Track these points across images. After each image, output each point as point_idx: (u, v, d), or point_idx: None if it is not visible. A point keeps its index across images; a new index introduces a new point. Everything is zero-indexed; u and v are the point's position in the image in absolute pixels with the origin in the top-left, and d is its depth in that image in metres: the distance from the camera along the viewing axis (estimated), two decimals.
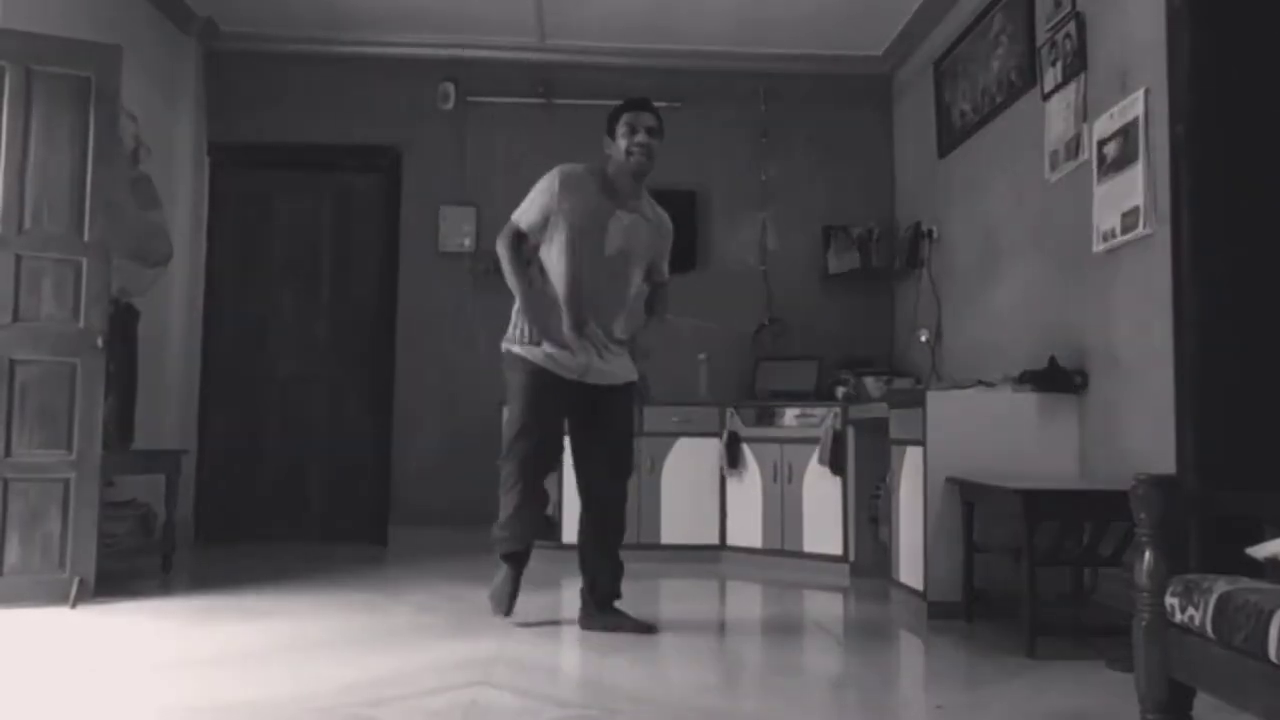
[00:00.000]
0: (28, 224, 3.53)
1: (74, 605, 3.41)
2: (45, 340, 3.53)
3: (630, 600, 3.38)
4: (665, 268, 3.45)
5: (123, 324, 4.15)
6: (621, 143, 3.24)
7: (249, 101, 5.54)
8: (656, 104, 5.55)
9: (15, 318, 3.50)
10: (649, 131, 3.24)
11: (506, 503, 3.25)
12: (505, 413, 3.35)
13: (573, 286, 3.18)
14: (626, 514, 3.39)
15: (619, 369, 3.30)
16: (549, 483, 3.59)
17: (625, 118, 3.26)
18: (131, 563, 4.15)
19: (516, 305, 3.30)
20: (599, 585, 3.29)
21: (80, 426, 3.54)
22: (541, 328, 3.21)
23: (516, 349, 3.26)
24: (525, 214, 3.26)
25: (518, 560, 3.30)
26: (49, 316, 3.54)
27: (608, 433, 3.30)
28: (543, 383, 3.21)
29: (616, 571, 3.31)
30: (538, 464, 3.26)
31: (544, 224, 3.22)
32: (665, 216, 3.43)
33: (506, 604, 3.26)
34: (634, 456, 3.48)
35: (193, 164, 5.36)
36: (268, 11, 5.30)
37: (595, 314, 3.22)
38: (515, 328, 3.29)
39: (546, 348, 3.21)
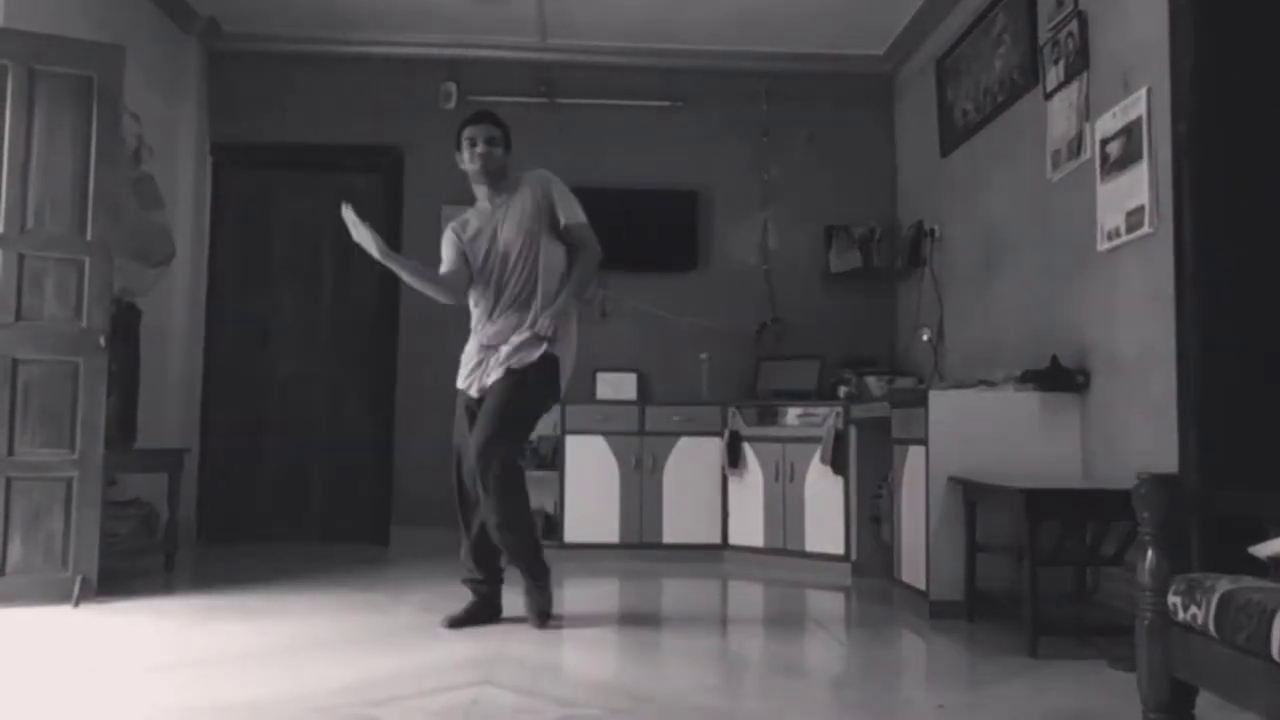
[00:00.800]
0: (30, 224, 3.54)
1: (76, 604, 3.42)
2: (48, 340, 3.53)
3: (633, 599, 3.38)
4: (564, 213, 3.34)
5: (125, 323, 4.16)
6: (465, 155, 3.37)
7: (251, 101, 5.54)
8: (658, 103, 5.66)
9: (18, 317, 3.51)
10: (489, 141, 3.33)
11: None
12: None
13: (483, 286, 3.32)
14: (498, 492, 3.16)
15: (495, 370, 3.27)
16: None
17: (465, 133, 3.38)
18: (134, 562, 4.16)
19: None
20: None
21: (83, 426, 3.55)
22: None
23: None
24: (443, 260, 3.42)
25: (472, 588, 3.33)
26: (52, 316, 3.55)
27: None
28: (460, 405, 3.37)
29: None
30: (460, 489, 3.34)
31: (458, 259, 3.37)
32: (539, 173, 3.42)
33: (450, 619, 3.21)
34: (500, 431, 3.16)
35: (195, 164, 5.36)
36: (270, 11, 5.30)
37: (512, 302, 3.28)
38: None
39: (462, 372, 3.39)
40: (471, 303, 3.41)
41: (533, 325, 3.25)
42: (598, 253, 3.39)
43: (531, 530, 3.31)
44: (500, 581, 3.36)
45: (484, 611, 3.29)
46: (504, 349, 3.26)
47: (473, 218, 3.42)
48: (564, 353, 3.32)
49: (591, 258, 3.37)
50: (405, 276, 3.33)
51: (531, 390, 3.25)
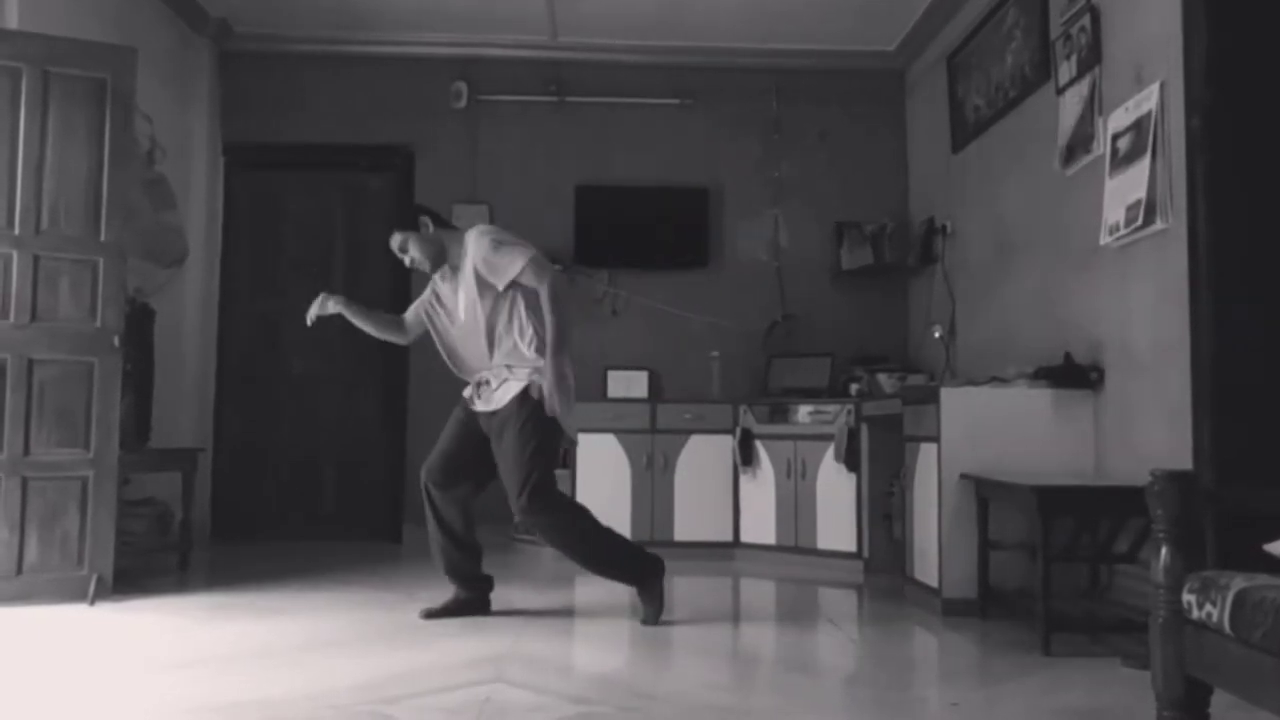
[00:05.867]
0: (45, 225, 3.56)
1: (92, 602, 3.44)
2: (63, 340, 3.56)
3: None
4: (498, 278, 3.22)
5: (139, 323, 4.18)
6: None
7: (263, 102, 5.56)
8: (668, 101, 5.67)
9: (33, 318, 3.53)
10: (402, 250, 3.37)
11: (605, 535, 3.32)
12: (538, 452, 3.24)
13: (446, 350, 3.46)
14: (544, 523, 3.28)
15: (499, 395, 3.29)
16: None
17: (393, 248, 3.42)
18: (148, 560, 4.19)
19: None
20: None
21: (98, 425, 3.57)
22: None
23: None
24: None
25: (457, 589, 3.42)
26: (66, 316, 3.58)
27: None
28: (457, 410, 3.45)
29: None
30: (429, 503, 3.49)
31: (418, 316, 3.52)
32: (470, 239, 3.31)
33: (427, 610, 3.35)
34: (527, 481, 3.19)
35: (207, 164, 5.39)
36: (281, 12, 5.32)
37: (476, 356, 3.36)
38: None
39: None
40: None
41: (507, 361, 3.27)
42: (552, 295, 3.21)
43: (603, 547, 3.28)
44: (485, 586, 3.42)
45: (466, 609, 3.34)
46: (492, 383, 3.30)
47: (444, 289, 3.43)
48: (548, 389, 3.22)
49: (549, 307, 3.19)
50: (366, 328, 3.56)
51: (528, 426, 3.19)
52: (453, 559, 3.36)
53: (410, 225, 3.33)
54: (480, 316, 3.26)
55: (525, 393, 3.20)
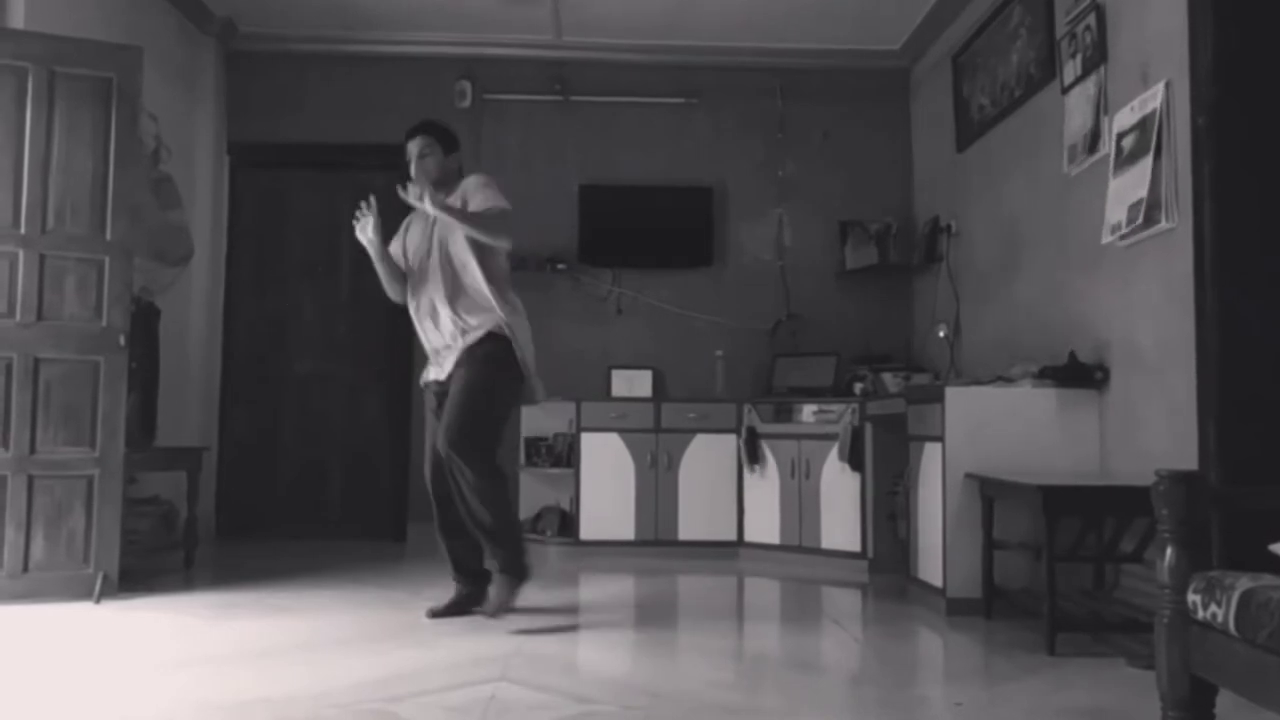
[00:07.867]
0: (51, 224, 3.57)
1: (98, 600, 3.45)
2: (69, 339, 3.57)
3: (649, 595, 3.38)
4: (473, 203, 3.30)
5: (144, 322, 4.19)
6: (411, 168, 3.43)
7: (268, 101, 5.58)
8: (672, 100, 5.66)
9: (39, 317, 3.54)
10: (420, 156, 3.39)
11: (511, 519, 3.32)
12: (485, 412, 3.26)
13: (415, 283, 3.43)
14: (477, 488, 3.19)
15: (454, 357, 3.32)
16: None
17: (407, 147, 3.43)
18: (154, 559, 4.20)
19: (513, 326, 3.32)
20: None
21: (103, 424, 3.58)
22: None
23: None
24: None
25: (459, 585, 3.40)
26: (72, 315, 3.59)
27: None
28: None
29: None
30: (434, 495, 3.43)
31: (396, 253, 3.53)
32: (470, 177, 3.44)
33: (433, 610, 3.31)
34: (469, 421, 3.19)
35: (212, 163, 5.40)
36: (286, 11, 5.33)
37: (442, 300, 3.31)
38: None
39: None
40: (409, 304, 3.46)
41: (468, 311, 3.29)
42: (501, 225, 3.28)
43: (506, 523, 3.27)
44: (485, 581, 3.39)
45: (469, 605, 3.34)
46: (452, 347, 3.31)
47: (415, 218, 3.49)
48: (518, 332, 3.29)
49: (494, 218, 3.26)
50: (380, 268, 3.49)
51: (489, 365, 3.23)
52: (458, 554, 3.36)
53: (449, 143, 3.43)
54: (450, 252, 3.31)
55: (491, 333, 3.26)
